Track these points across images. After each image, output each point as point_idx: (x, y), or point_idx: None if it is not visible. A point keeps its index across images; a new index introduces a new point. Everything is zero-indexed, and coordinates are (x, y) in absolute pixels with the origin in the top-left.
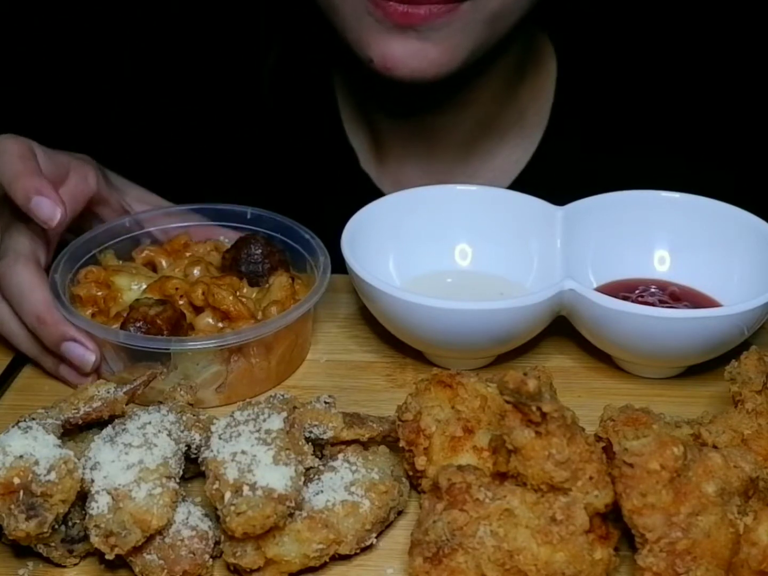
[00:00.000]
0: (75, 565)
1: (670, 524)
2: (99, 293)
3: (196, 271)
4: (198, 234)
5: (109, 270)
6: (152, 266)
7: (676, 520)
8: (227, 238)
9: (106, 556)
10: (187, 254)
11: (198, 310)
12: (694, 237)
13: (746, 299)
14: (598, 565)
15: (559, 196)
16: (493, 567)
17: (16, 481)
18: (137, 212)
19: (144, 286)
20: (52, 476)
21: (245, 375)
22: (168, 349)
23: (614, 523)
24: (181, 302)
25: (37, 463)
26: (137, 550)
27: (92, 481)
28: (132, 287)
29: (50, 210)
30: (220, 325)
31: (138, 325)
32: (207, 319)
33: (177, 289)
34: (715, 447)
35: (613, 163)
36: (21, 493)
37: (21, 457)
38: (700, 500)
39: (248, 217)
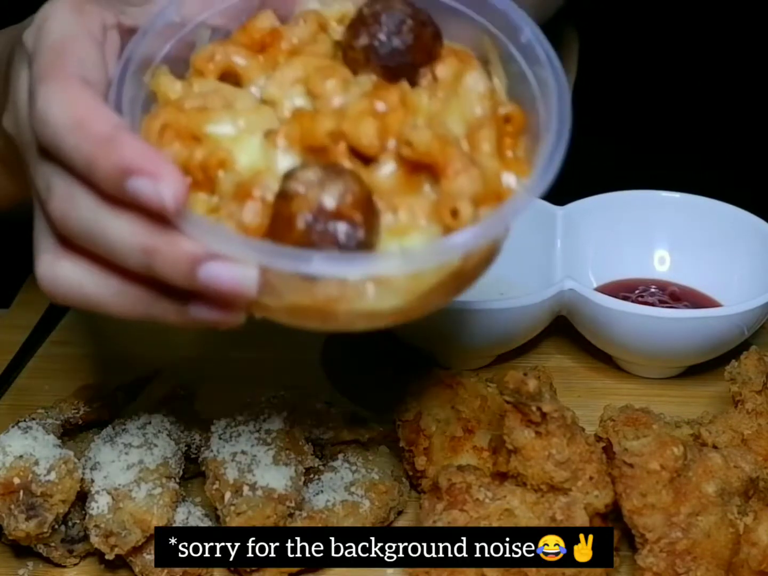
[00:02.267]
0: (75, 565)
1: (670, 524)
2: (193, 156)
3: (333, 91)
4: (278, 5)
5: (189, 112)
6: (232, 79)
7: (676, 520)
8: (325, 3)
9: (106, 556)
10: (283, 45)
11: (365, 160)
12: (694, 237)
13: (746, 299)
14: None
15: (560, 197)
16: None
17: (16, 481)
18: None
19: (259, 134)
20: (52, 476)
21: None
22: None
23: (614, 523)
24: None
25: (37, 463)
26: (137, 550)
27: (92, 481)
28: (247, 142)
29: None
30: (427, 189)
31: (318, 228)
32: (388, 170)
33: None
34: (715, 447)
35: (615, 161)
36: (21, 493)
37: (21, 457)
38: (700, 500)
39: None
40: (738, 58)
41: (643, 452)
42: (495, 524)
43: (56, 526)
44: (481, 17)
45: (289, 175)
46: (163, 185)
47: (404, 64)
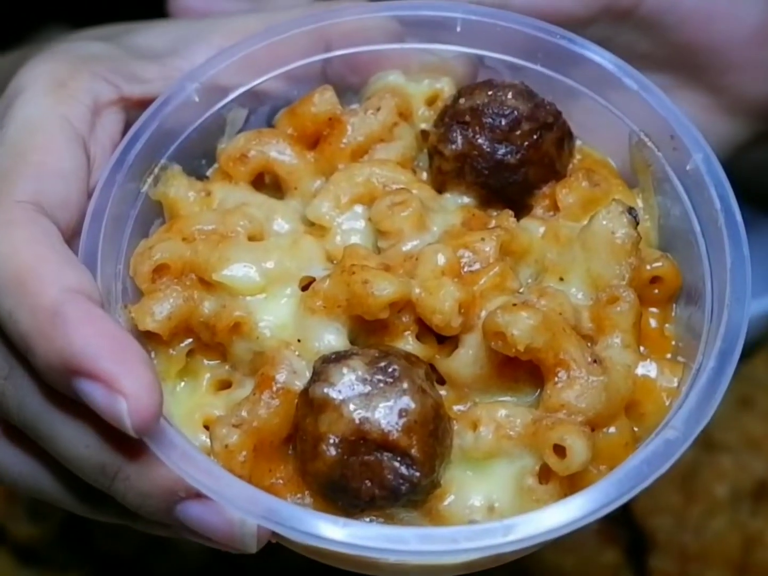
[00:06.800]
0: (80, 568)
1: (681, 526)
2: (198, 310)
3: (405, 230)
4: (345, 72)
5: (199, 242)
6: (271, 178)
7: (687, 523)
8: (412, 76)
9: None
10: (343, 141)
11: (439, 335)
12: None
13: (756, 300)
14: (607, 568)
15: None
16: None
17: None
18: (202, 64)
19: (293, 284)
20: None
21: None
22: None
23: (624, 525)
24: (397, 332)
25: None
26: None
27: None
28: (275, 297)
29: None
30: (522, 387)
31: (355, 461)
32: (470, 356)
33: (397, 307)
34: (725, 449)
35: None
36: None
37: None
38: (710, 502)
39: (458, 29)
40: None
41: None
42: None
43: (60, 529)
44: (633, 123)
45: (320, 371)
46: (122, 403)
47: (512, 184)
